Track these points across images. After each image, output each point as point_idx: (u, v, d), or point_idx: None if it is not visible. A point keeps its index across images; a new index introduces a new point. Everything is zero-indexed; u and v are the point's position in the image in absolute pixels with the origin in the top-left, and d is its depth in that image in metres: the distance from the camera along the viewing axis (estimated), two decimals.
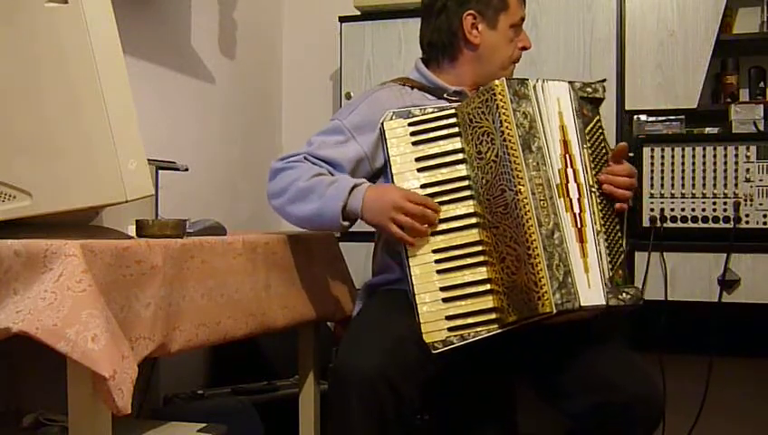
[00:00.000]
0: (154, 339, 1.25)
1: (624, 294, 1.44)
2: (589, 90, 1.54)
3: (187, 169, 1.88)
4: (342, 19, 2.63)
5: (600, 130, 1.54)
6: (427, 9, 1.80)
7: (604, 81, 1.60)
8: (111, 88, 1.27)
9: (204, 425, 1.49)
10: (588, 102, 1.54)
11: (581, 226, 1.45)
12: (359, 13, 2.62)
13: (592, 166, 1.50)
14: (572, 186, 1.47)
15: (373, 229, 1.83)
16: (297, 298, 1.74)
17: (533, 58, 2.39)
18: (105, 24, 1.28)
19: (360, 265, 2.31)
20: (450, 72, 1.79)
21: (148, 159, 1.36)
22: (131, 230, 1.46)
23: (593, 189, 1.49)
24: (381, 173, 1.72)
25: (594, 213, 1.47)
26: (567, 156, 1.49)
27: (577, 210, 1.46)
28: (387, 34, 2.57)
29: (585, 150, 1.50)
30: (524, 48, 1.79)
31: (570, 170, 1.48)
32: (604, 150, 1.54)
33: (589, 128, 1.52)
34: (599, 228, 1.46)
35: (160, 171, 1.79)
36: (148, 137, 1.37)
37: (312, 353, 1.93)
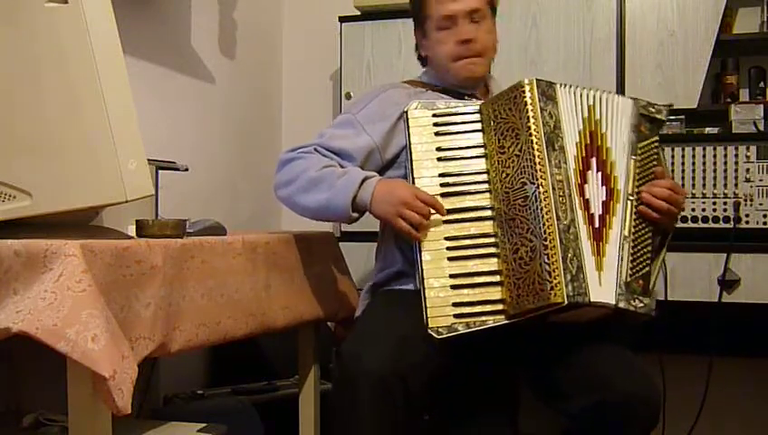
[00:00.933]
0: (154, 339, 1.25)
1: (637, 301, 1.47)
2: (651, 109, 1.60)
3: (187, 169, 1.88)
4: (342, 19, 2.63)
5: (655, 150, 1.58)
6: None
7: (670, 105, 1.63)
8: (111, 88, 1.27)
9: (204, 425, 1.50)
10: (647, 121, 1.59)
11: (603, 226, 1.48)
12: (359, 13, 2.62)
13: (637, 178, 1.54)
14: (597, 188, 1.49)
15: (374, 229, 1.84)
16: (297, 298, 1.74)
17: (534, 58, 2.39)
18: (105, 24, 1.28)
19: (360, 265, 2.31)
20: (436, 77, 1.83)
21: (148, 159, 1.36)
22: (131, 230, 1.46)
23: (631, 198, 1.53)
24: (391, 165, 1.74)
25: (626, 219, 1.51)
26: (596, 160, 1.51)
27: (598, 211, 1.49)
28: (387, 34, 2.57)
29: (633, 162, 1.55)
30: (463, 41, 1.73)
31: (589, 172, 1.50)
32: (653, 169, 1.57)
33: (643, 144, 1.57)
34: (626, 234, 1.50)
35: (160, 171, 1.79)
36: (148, 137, 1.37)
37: (312, 353, 1.93)
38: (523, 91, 1.50)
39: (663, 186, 1.54)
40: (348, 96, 2.58)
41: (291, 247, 1.74)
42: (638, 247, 1.51)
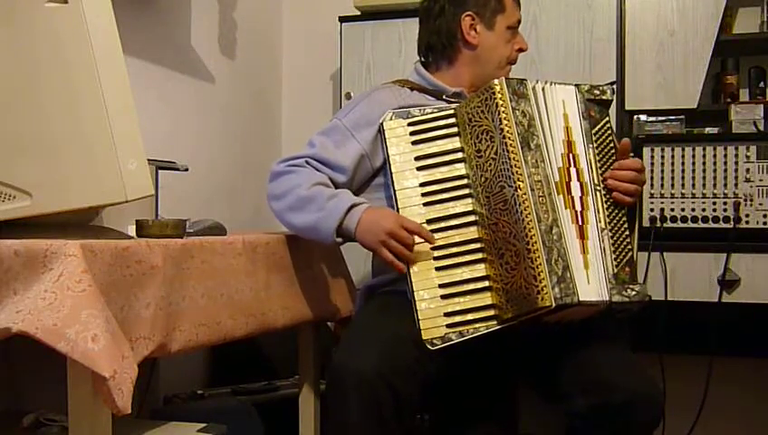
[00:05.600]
0: (154, 339, 1.25)
1: (629, 290, 1.45)
2: (596, 92, 1.57)
3: (187, 169, 1.88)
4: (342, 19, 2.63)
5: (609, 132, 1.56)
6: (425, 13, 1.83)
7: (613, 83, 1.62)
8: (111, 88, 1.27)
9: (204, 425, 1.49)
10: (595, 104, 1.56)
11: (583, 223, 1.46)
12: (359, 13, 2.61)
13: (599, 165, 1.52)
14: (575, 184, 1.48)
15: None
16: (297, 298, 1.74)
17: (533, 58, 2.39)
18: (105, 24, 1.28)
19: (360, 265, 2.31)
20: (448, 73, 1.81)
21: (148, 159, 1.36)
22: (131, 230, 1.46)
23: (598, 188, 1.50)
24: (379, 172, 1.73)
25: (599, 211, 1.48)
26: (570, 155, 1.49)
27: (579, 208, 1.46)
28: (387, 34, 2.57)
29: (591, 150, 1.52)
30: (521, 50, 1.82)
31: (573, 169, 1.48)
32: (612, 151, 1.55)
33: (596, 129, 1.54)
34: (603, 226, 1.48)
35: (160, 171, 1.79)
36: (148, 137, 1.37)
37: (312, 353, 1.93)
38: (494, 93, 1.49)
39: (628, 168, 1.52)
40: (348, 96, 2.58)
41: (291, 247, 1.74)
42: (617, 235, 1.49)
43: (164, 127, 2.28)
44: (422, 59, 1.87)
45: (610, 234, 1.48)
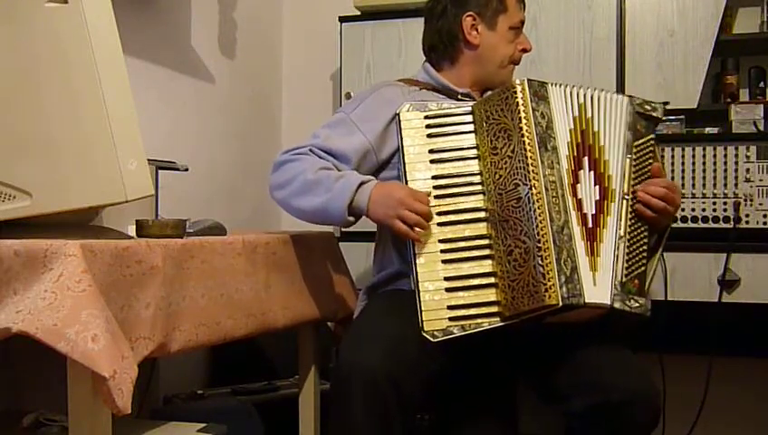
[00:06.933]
0: (154, 339, 1.25)
1: (632, 301, 1.46)
2: (647, 107, 1.59)
3: (187, 169, 1.88)
4: (342, 19, 2.63)
5: (651, 149, 1.58)
6: (429, 13, 1.85)
7: (666, 103, 1.62)
8: (111, 88, 1.27)
9: (204, 425, 1.49)
10: (643, 119, 1.58)
11: (596, 226, 1.47)
12: (359, 13, 2.61)
13: (633, 177, 1.53)
14: (590, 188, 1.49)
15: (373, 229, 1.84)
16: (297, 298, 1.74)
17: (533, 58, 2.38)
18: (105, 24, 1.28)
19: (360, 265, 2.31)
20: (451, 73, 1.81)
21: (148, 159, 1.36)
22: (131, 230, 1.46)
23: (627, 197, 1.52)
24: (386, 165, 1.74)
25: (621, 219, 1.50)
26: (587, 159, 1.50)
27: (591, 211, 1.48)
28: (387, 34, 2.57)
29: (628, 160, 1.54)
30: (524, 50, 1.81)
31: (587, 173, 1.49)
32: (649, 168, 1.57)
33: (639, 142, 1.56)
34: (622, 234, 1.49)
35: (160, 171, 1.79)
36: (148, 137, 1.37)
37: (312, 353, 1.93)
38: (515, 92, 1.49)
39: (659, 184, 1.53)
40: (348, 96, 2.58)
41: (291, 247, 1.74)
42: (634, 247, 1.50)
43: (164, 127, 2.28)
44: (426, 59, 1.87)
45: (628, 244, 1.49)
